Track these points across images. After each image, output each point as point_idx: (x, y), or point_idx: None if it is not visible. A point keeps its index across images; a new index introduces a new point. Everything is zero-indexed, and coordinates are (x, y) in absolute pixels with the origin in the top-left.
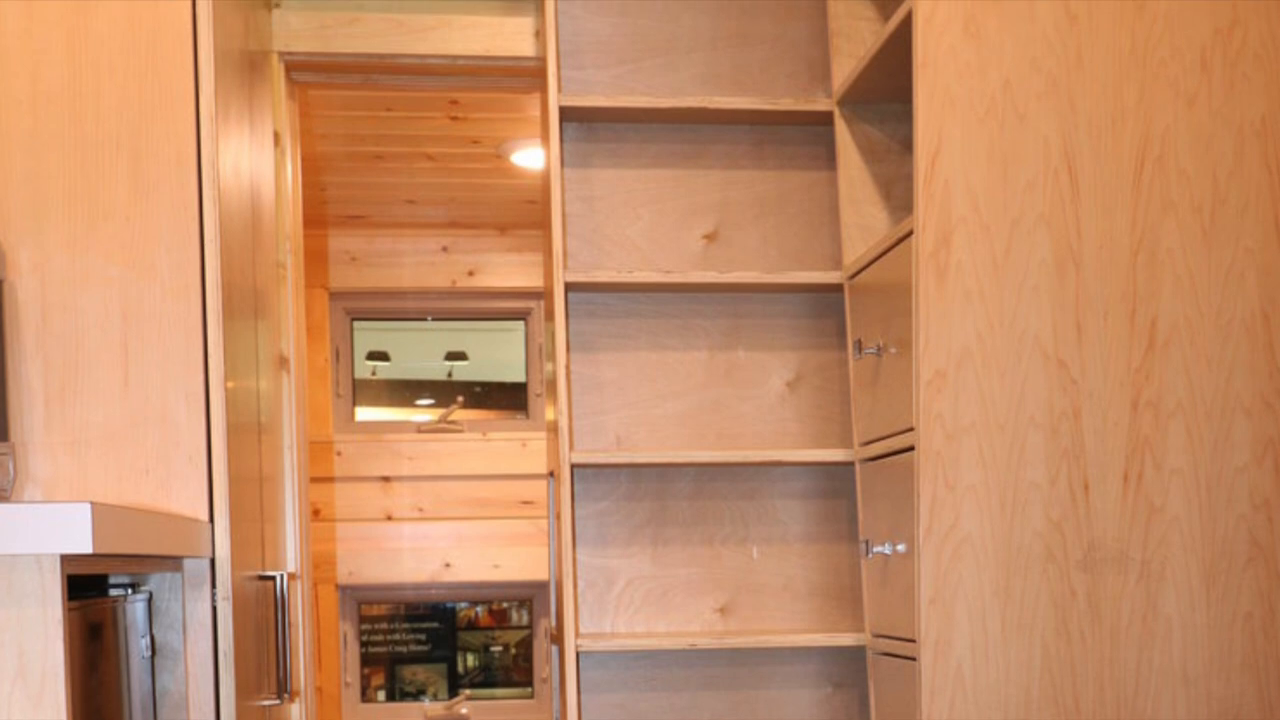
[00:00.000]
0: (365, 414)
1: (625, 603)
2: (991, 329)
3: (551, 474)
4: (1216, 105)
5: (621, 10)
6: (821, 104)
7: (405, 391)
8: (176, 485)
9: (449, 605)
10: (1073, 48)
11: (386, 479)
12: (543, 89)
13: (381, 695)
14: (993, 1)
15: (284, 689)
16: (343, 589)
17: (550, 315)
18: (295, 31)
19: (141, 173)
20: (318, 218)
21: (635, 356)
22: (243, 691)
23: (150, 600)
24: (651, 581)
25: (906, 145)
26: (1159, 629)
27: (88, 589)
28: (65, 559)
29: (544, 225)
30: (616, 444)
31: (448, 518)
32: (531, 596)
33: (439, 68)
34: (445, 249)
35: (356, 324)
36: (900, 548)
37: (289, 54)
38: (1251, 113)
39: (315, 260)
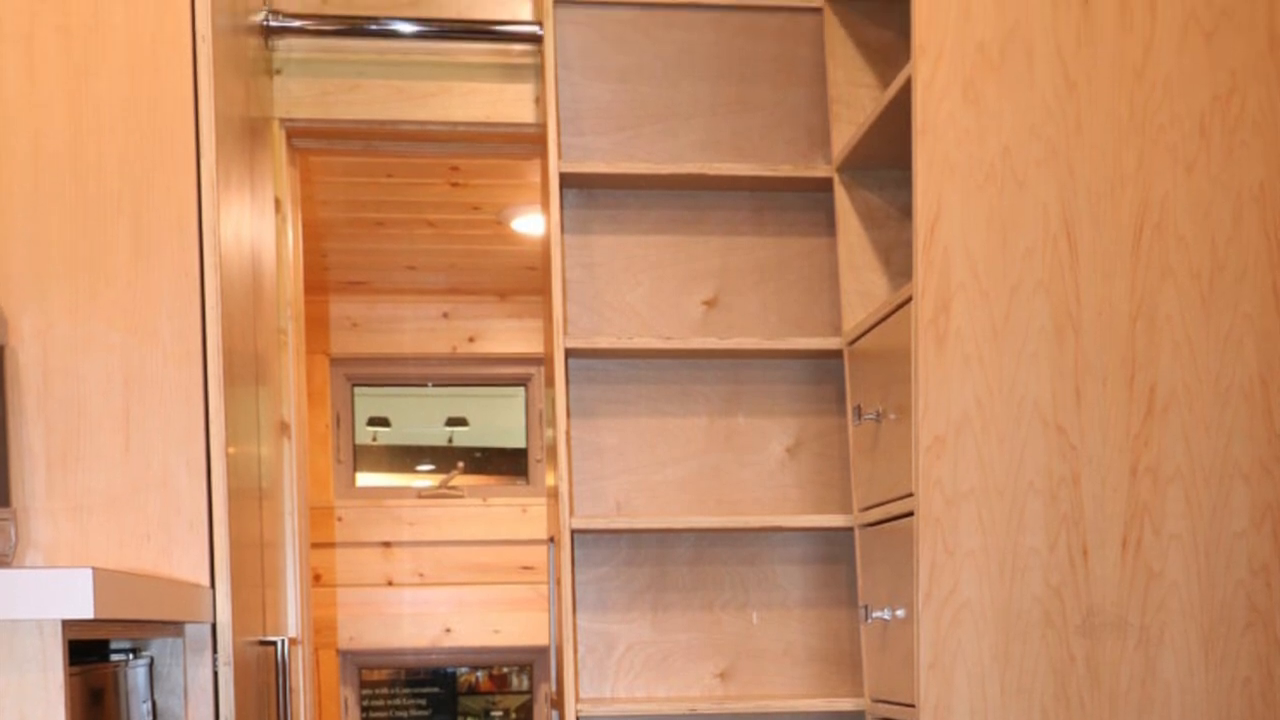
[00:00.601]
0: (366, 479)
1: (625, 668)
2: (991, 394)
3: (552, 539)
4: (1215, 171)
5: (621, 77)
6: (821, 170)
7: (406, 457)
8: (178, 550)
9: (450, 670)
10: (1072, 114)
11: (387, 544)
12: (543, 155)
13: None
14: (992, 68)
15: None
16: (343, 654)
17: (551, 381)
18: (296, 98)
19: (143, 238)
20: (319, 283)
21: (635, 422)
22: None
23: (151, 665)
24: (652, 646)
25: (906, 211)
26: (1158, 694)
27: (89, 654)
28: (67, 624)
29: (544, 291)
30: (617, 510)
31: (448, 583)
32: (532, 661)
33: (439, 134)
34: (446, 315)
35: (357, 389)
36: (900, 613)
37: (290, 120)
38: (1250, 179)
39: (316, 326)
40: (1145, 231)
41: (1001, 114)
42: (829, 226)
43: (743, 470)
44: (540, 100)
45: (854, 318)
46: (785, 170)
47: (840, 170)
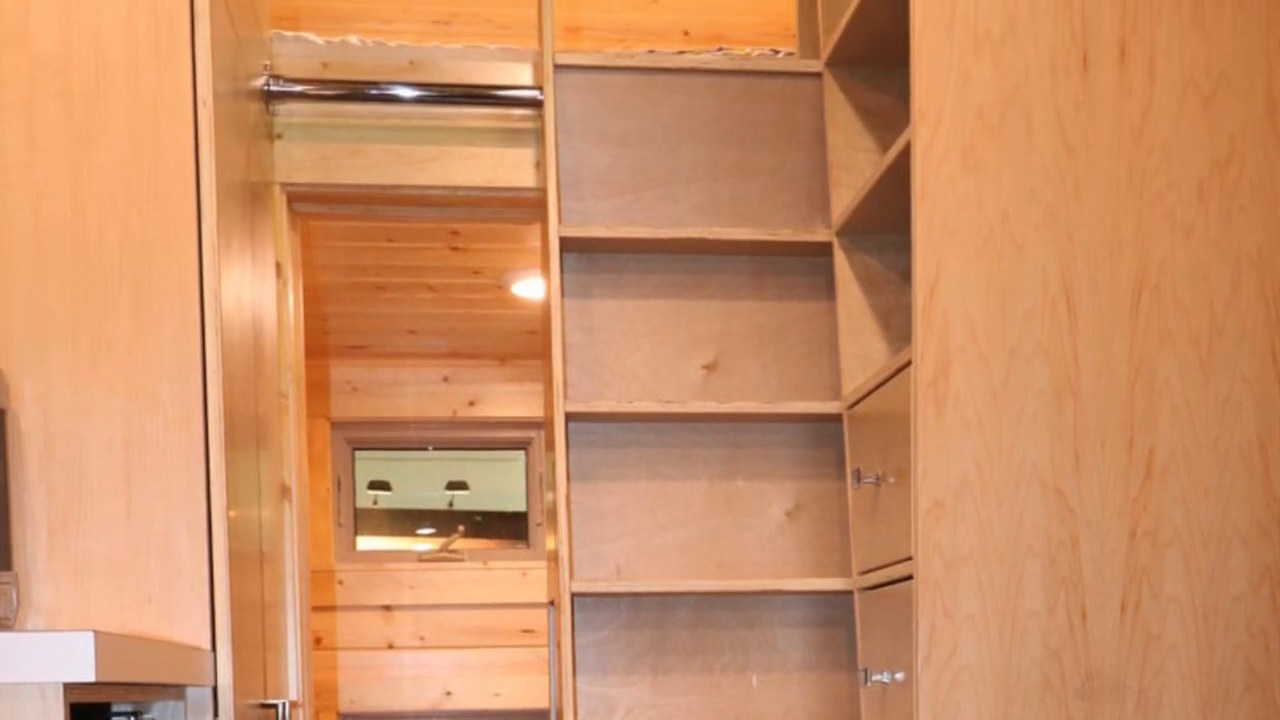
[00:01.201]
0: (367, 543)
1: None
2: (990, 458)
3: (552, 603)
4: (1213, 236)
5: (621, 141)
6: (821, 235)
7: (406, 521)
8: (179, 614)
9: None
10: (1070, 179)
11: (388, 608)
12: (543, 220)
13: None
14: (991, 133)
15: None
16: (344, 717)
17: (551, 445)
18: (297, 162)
19: (144, 303)
20: (319, 348)
21: (635, 486)
22: None
23: None
24: (652, 710)
25: (905, 276)
26: None
27: (91, 717)
28: (68, 687)
29: (544, 355)
30: (617, 573)
31: (449, 646)
32: None
33: (440, 199)
34: (446, 379)
35: (358, 453)
36: (899, 676)
37: (291, 185)
38: (1248, 243)
39: (317, 390)
40: (1144, 295)
41: (1000, 178)
42: (829, 291)
43: (742, 534)
44: (541, 165)
45: (853, 381)
46: (785, 235)
47: (840, 234)
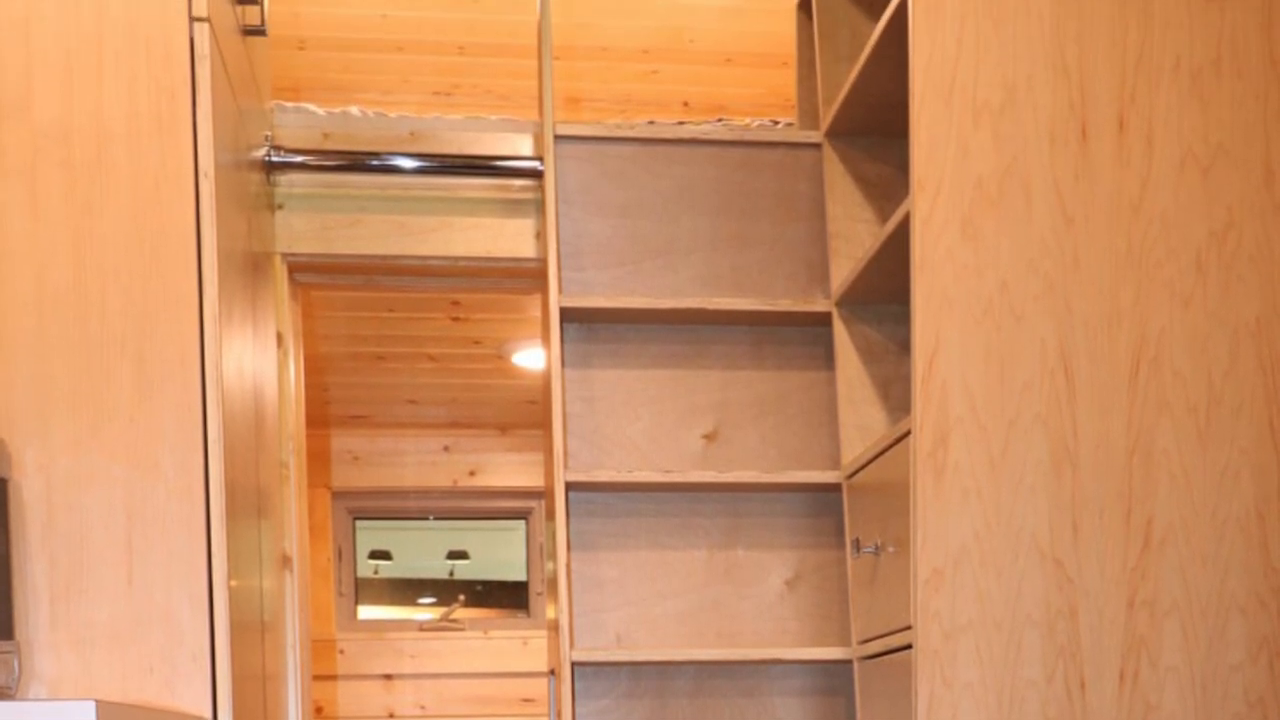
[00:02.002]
0: (368, 612)
1: None
2: (989, 528)
3: (552, 672)
4: (1212, 306)
5: (621, 212)
6: (820, 305)
7: (407, 590)
8: (180, 683)
9: None
10: (1069, 249)
11: (389, 677)
12: (543, 290)
13: None
14: (990, 204)
15: None
16: None
17: (551, 514)
18: (298, 233)
19: (146, 373)
20: (320, 417)
21: (635, 555)
22: None
23: None
24: None
25: (904, 346)
26: None
27: None
28: None
29: (545, 425)
30: (617, 642)
31: (450, 715)
32: None
33: (440, 269)
34: (447, 449)
35: (359, 523)
36: None
37: (292, 255)
38: (1246, 313)
39: (318, 460)
40: (1142, 366)
41: (999, 249)
42: (828, 360)
43: (742, 603)
44: (541, 235)
45: (852, 451)
46: (784, 305)
47: (839, 305)
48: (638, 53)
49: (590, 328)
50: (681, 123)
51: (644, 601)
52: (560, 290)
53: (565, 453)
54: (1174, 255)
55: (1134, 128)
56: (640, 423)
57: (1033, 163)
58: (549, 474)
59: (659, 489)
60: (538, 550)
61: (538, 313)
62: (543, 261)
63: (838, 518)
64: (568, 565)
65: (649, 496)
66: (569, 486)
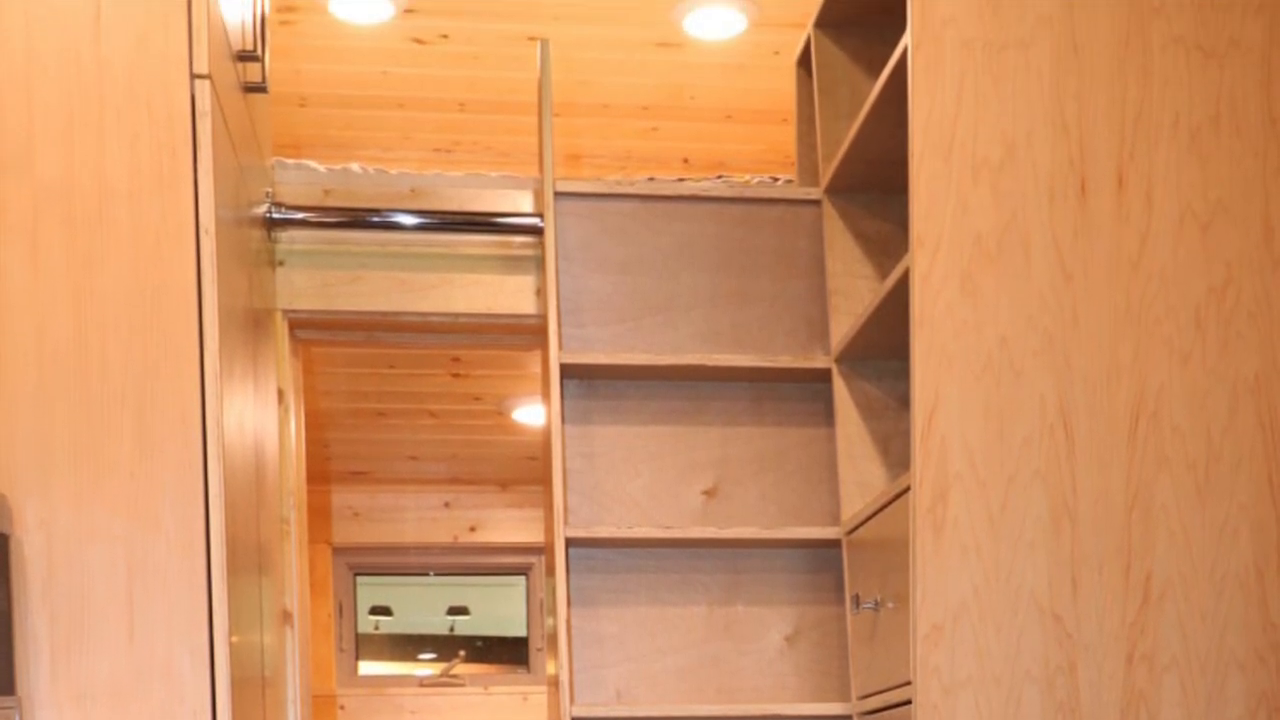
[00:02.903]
0: (368, 668)
1: None
2: (988, 583)
3: None
4: (1210, 363)
5: (622, 269)
6: (820, 361)
7: (408, 646)
8: None
9: None
10: (1069, 305)
11: None
12: (543, 346)
13: None
14: (989, 260)
15: None
16: None
17: (551, 570)
18: (299, 289)
19: (146, 429)
20: (321, 473)
21: (635, 611)
22: None
23: None
24: None
25: (904, 402)
26: None
27: None
28: None
29: (545, 481)
30: (617, 698)
31: None
32: None
33: (441, 325)
34: (447, 504)
35: (360, 579)
36: None
37: (293, 311)
38: (1245, 370)
39: (319, 516)
40: (1141, 422)
41: (999, 305)
42: (828, 417)
43: (742, 659)
44: (541, 292)
45: (852, 507)
46: (784, 361)
47: (839, 361)
48: (638, 110)
49: (590, 384)
50: (682, 179)
51: (644, 657)
52: (560, 346)
53: (565, 509)
54: (1173, 312)
55: (1133, 185)
56: (640, 479)
57: (1032, 219)
58: (549, 530)
59: (659, 545)
60: (538, 606)
61: (538, 369)
62: (543, 318)
63: (837, 574)
64: (568, 621)
65: (649, 552)
66: (569, 542)
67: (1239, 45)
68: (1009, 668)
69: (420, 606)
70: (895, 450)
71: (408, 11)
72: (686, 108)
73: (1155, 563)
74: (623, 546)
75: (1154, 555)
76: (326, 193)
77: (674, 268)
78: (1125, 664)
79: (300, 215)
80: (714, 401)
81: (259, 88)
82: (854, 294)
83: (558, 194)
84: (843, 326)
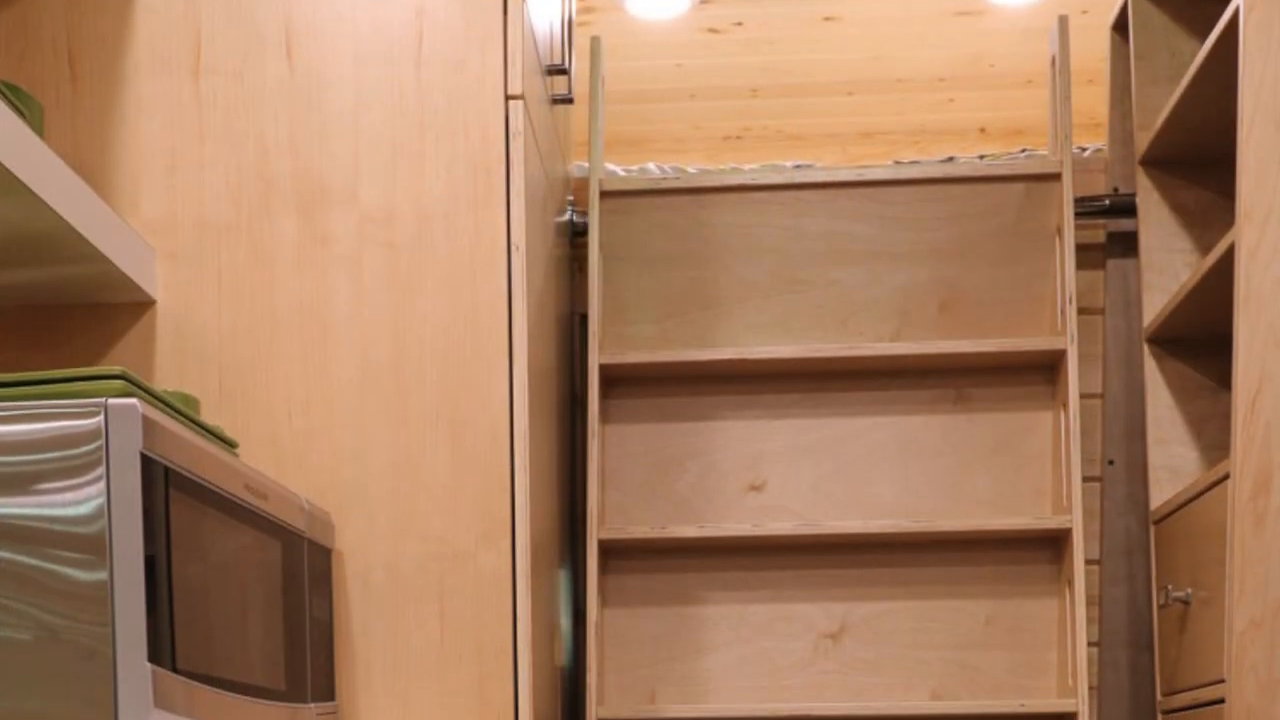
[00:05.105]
0: None
1: None
2: None
3: None
4: None
5: (668, 263)
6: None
7: None
8: None
9: None
10: None
11: None
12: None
13: None
14: None
15: None
16: None
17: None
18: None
19: (459, 446)
20: None
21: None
22: None
23: None
24: None
25: (1222, 383)
26: None
27: None
28: None
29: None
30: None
31: None
32: None
33: None
34: None
35: None
36: None
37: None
38: None
39: None
40: None
41: None
42: (885, 408)
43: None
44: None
45: (1162, 495)
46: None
47: (1150, 340)
48: (934, 81)
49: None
50: (983, 156)
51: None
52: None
53: (599, 509)
54: None
55: None
56: (688, 476)
57: None
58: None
59: (700, 546)
60: None
61: None
62: None
63: (886, 569)
64: (598, 622)
65: (691, 551)
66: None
67: None
68: None
69: None
70: (1210, 434)
71: (703, 2)
72: (985, 76)
73: None
74: (660, 547)
75: None
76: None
77: (725, 260)
78: None
79: None
80: (762, 395)
81: (566, 99)
82: (1169, 270)
83: (603, 194)
84: (1156, 304)
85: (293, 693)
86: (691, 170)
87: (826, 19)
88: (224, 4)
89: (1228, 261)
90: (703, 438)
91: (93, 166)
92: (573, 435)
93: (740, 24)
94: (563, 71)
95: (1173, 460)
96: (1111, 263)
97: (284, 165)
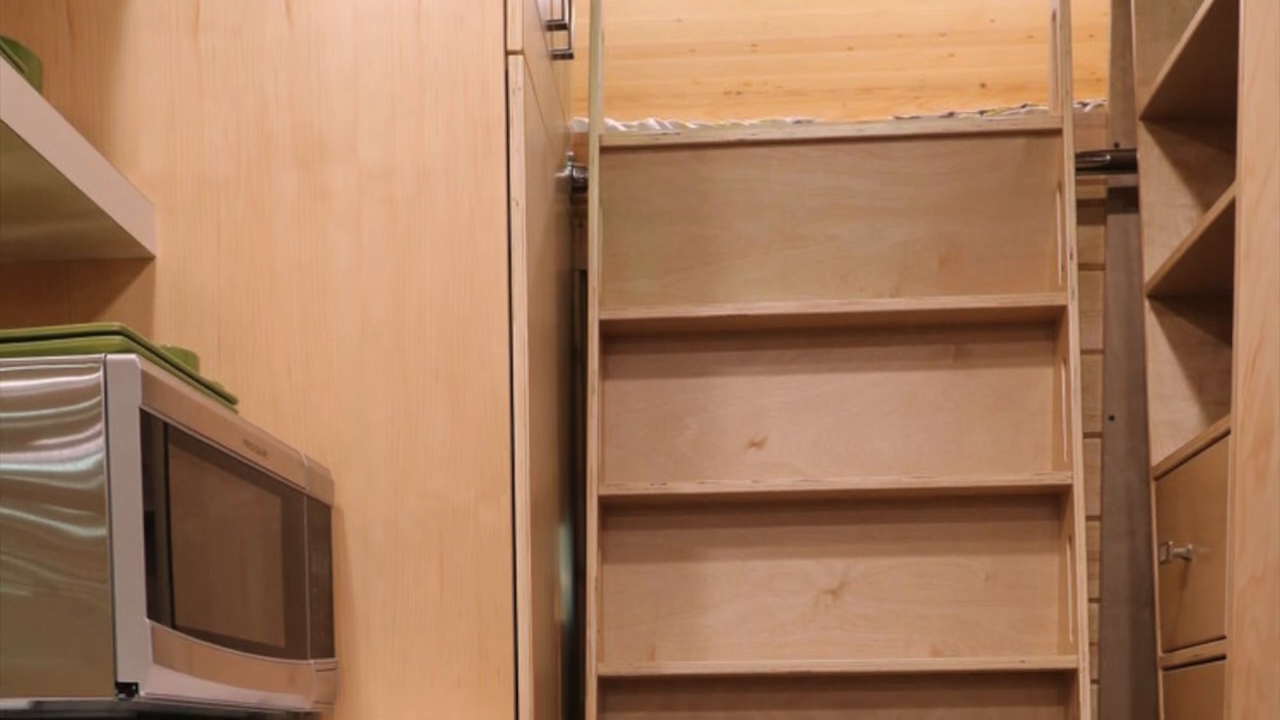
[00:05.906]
0: None
1: None
2: None
3: None
4: None
5: (669, 219)
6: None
7: None
8: (489, 701)
9: None
10: None
11: None
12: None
13: None
14: None
15: None
16: None
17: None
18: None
19: (459, 403)
20: None
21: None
22: None
23: None
24: None
25: (1222, 338)
26: None
27: None
28: None
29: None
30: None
31: None
32: None
33: None
34: None
35: None
36: None
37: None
38: None
39: None
40: None
41: None
42: (888, 363)
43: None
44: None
45: (1163, 450)
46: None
47: (1151, 296)
48: (934, 36)
49: (634, 340)
50: (983, 111)
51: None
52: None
53: (600, 465)
54: None
55: None
56: (688, 432)
57: None
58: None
59: (701, 502)
60: None
61: None
62: None
63: (887, 525)
64: (598, 578)
65: (691, 507)
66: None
67: None
68: None
69: None
70: (1211, 389)
71: None
72: (985, 31)
73: None
74: (660, 503)
75: None
76: None
77: (726, 215)
78: None
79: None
80: (762, 351)
81: (566, 54)
82: (1170, 225)
83: (603, 149)
84: (1157, 259)
85: (292, 649)
86: (691, 125)
87: None
88: None
89: (1228, 217)
90: (703, 394)
91: (92, 122)
92: (573, 391)
93: None
94: (562, 26)
95: (1173, 416)
96: (1112, 218)
97: (283, 121)
